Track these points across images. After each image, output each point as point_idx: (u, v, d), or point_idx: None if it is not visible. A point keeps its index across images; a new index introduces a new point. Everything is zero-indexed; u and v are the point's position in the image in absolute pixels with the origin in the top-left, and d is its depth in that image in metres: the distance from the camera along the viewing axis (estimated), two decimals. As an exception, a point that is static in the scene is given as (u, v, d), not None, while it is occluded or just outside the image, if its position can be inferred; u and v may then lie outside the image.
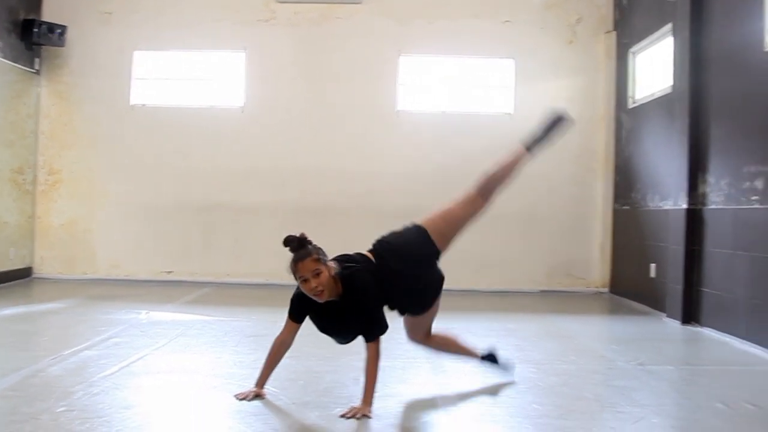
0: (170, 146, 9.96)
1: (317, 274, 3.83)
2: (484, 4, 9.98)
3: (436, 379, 4.66)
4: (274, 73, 9.97)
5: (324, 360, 5.14)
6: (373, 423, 3.66)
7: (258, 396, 4.08)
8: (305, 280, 3.85)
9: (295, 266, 3.91)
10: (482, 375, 4.83)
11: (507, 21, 9.97)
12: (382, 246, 4.20)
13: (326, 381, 4.55)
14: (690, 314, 7.06)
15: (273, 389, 4.23)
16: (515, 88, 9.92)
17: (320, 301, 3.87)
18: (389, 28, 9.92)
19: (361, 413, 3.73)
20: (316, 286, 3.81)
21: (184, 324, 6.57)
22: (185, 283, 9.57)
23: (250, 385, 4.25)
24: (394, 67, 9.94)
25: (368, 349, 3.89)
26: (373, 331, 3.90)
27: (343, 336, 4.04)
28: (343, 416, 3.72)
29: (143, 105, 10.02)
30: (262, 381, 4.17)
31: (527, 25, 9.95)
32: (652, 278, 8.18)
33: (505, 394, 4.38)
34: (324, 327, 4.01)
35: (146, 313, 7.13)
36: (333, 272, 3.89)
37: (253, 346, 5.63)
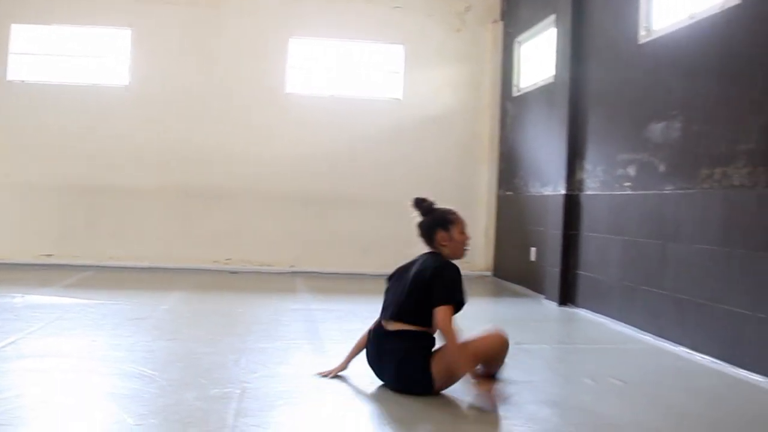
0: (51, 125, 9.54)
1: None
2: (376, -10, 10.02)
3: (314, 360, 4.65)
4: (161, 52, 9.70)
5: (204, 342, 5.08)
6: (251, 403, 3.64)
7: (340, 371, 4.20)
8: (464, 231, 4.12)
9: (457, 217, 4.16)
10: (361, 355, 4.87)
11: (397, 7, 10.04)
12: None
13: (206, 362, 4.48)
14: (567, 296, 7.34)
15: (150, 371, 4.14)
16: (404, 74, 10.00)
17: (464, 255, 4.13)
18: (279, 9, 9.81)
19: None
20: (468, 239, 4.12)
21: (61, 307, 6.34)
22: (66, 267, 9.19)
23: (125, 367, 4.16)
24: (283, 49, 9.84)
25: (438, 313, 3.84)
26: (451, 295, 3.89)
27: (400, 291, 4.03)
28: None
29: (22, 81, 9.58)
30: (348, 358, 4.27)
31: (417, 12, 10.05)
32: (532, 262, 8.45)
33: (369, 381, 4.42)
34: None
35: (21, 296, 6.83)
36: None
37: (133, 329, 5.50)
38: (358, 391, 3.98)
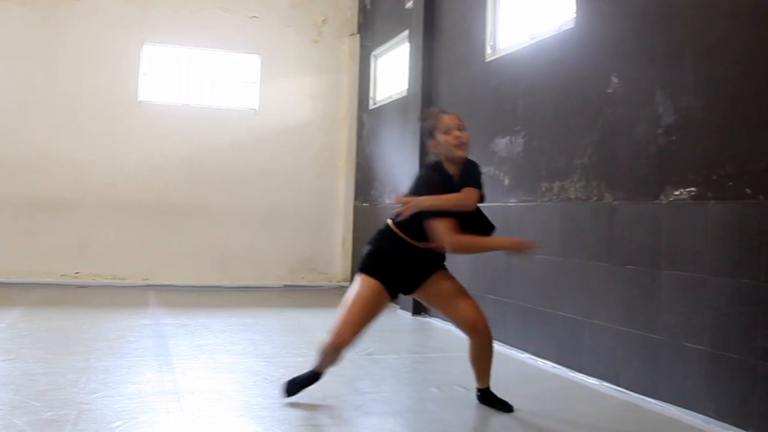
0: None
1: (462, 129, 3.87)
2: (233, -1, 9.92)
3: (161, 377, 4.53)
4: (2, 54, 9.18)
5: (43, 362, 4.84)
6: (87, 425, 3.49)
7: None
8: (449, 131, 3.84)
9: (442, 116, 3.93)
10: (210, 371, 4.80)
11: (254, 17, 9.99)
12: None
13: (42, 383, 4.26)
14: (420, 306, 7.47)
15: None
16: (260, 84, 9.94)
17: (462, 153, 3.86)
18: (132, 14, 9.53)
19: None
20: (461, 136, 3.84)
21: None
22: None
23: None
24: (136, 56, 9.55)
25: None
26: (476, 183, 3.90)
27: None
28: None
29: None
30: None
31: (274, 22, 10.02)
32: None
33: (231, 389, 4.37)
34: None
35: None
36: None
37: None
38: (204, 409, 3.89)
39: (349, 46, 10.24)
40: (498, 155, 6.17)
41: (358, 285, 3.91)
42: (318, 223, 10.06)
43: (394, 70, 9.17)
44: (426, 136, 4.05)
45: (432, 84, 7.60)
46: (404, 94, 8.33)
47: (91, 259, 9.23)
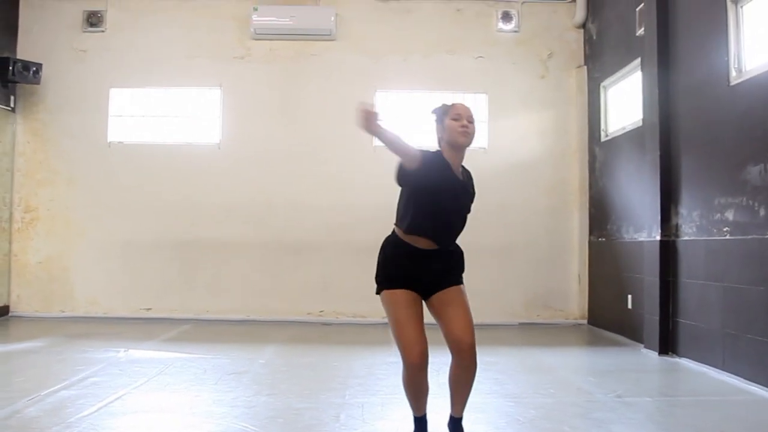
0: (148, 183, 9.96)
1: (471, 121, 3.81)
2: (458, 41, 10.15)
3: (401, 414, 4.65)
4: (250, 109, 10.03)
5: (303, 397, 5.15)
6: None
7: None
8: (458, 118, 3.77)
9: (452, 105, 3.86)
10: (465, 411, 4.85)
11: (480, 57, 10.13)
12: None
13: (306, 418, 4.54)
14: (667, 345, 7.13)
15: (253, 428, 4.22)
16: (489, 122, 10.04)
17: (464, 139, 3.77)
18: (364, 64, 10.04)
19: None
20: (468, 126, 3.77)
21: (163, 362, 6.53)
22: (165, 320, 9.52)
23: (228, 424, 4.25)
24: (370, 102, 9.99)
25: None
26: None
27: (460, 201, 3.91)
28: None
29: (120, 142, 10.04)
30: None
31: (500, 61, 10.12)
32: (629, 309, 8.26)
33: (485, 430, 4.40)
34: (445, 185, 3.79)
35: (125, 351, 7.09)
36: None
37: (233, 384, 5.63)
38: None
39: (577, 78, 10.10)
40: (750, 184, 5.79)
41: (385, 305, 3.81)
42: (551, 259, 9.92)
43: (625, 100, 8.91)
44: (436, 123, 3.89)
45: (669, 112, 7.29)
46: (639, 124, 8.06)
47: (334, 297, 9.73)
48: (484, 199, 9.66)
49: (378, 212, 9.82)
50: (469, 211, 4.01)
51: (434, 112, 3.90)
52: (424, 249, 3.77)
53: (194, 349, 7.28)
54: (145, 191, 9.96)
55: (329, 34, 9.98)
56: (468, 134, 3.77)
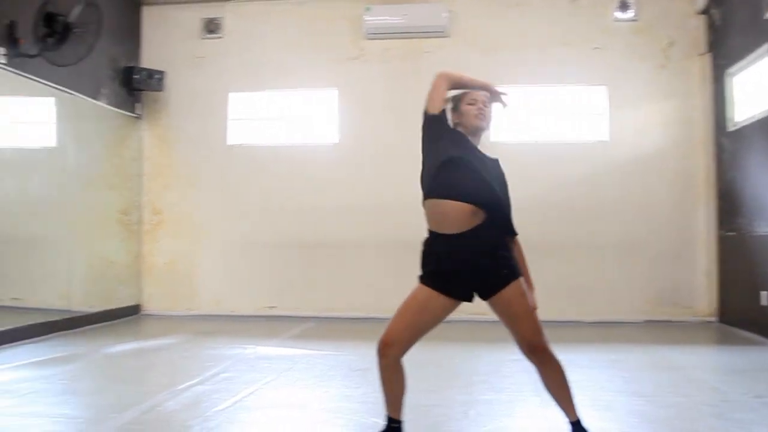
0: (267, 184, 10.21)
1: (487, 105, 3.78)
2: (573, 32, 9.91)
3: (545, 413, 4.58)
4: (366, 108, 10.12)
5: (429, 393, 5.13)
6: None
7: None
8: (475, 102, 3.74)
9: (473, 91, 3.81)
10: (589, 408, 4.73)
11: (597, 48, 9.88)
12: None
13: (434, 414, 4.54)
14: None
15: (382, 422, 4.23)
16: (609, 115, 9.78)
17: (480, 122, 3.73)
18: (478, 59, 9.92)
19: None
20: (484, 109, 3.74)
21: (290, 358, 6.67)
22: (287, 318, 9.71)
23: (358, 419, 4.29)
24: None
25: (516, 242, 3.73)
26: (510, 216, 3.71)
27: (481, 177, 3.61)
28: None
29: (240, 145, 10.33)
30: None
31: (618, 52, 9.82)
32: (763, 306, 7.88)
33: (617, 428, 4.28)
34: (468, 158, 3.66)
35: (253, 347, 7.28)
36: None
37: (360, 380, 5.69)
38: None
39: (700, 66, 9.70)
40: None
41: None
42: (677, 254, 9.55)
43: (754, 87, 8.50)
44: (452, 110, 3.82)
45: (807, 98, 6.92)
46: (771, 111, 7.69)
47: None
48: (604, 193, 9.59)
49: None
50: (507, 199, 3.70)
51: (450, 100, 3.85)
52: (451, 234, 3.57)
53: (319, 346, 7.41)
54: (265, 192, 10.20)
55: (442, 31, 9.95)
56: (485, 117, 3.73)
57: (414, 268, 3.83)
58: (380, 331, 3.67)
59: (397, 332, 3.62)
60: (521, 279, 3.58)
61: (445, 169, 3.61)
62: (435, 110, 3.74)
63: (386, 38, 10.09)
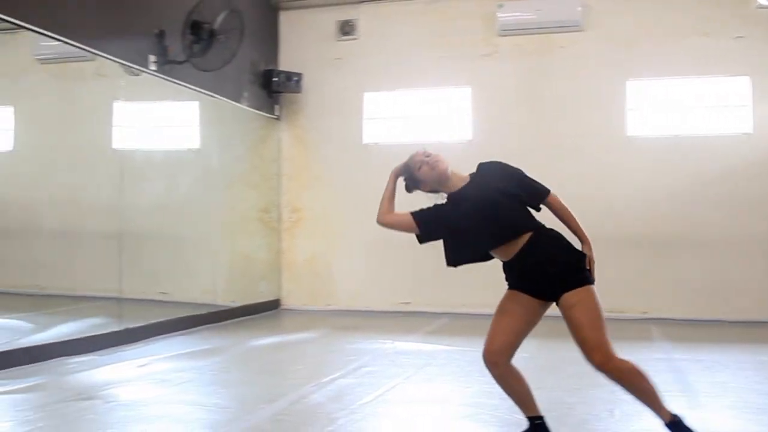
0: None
1: (427, 154, 3.87)
2: (713, 21, 9.51)
3: (693, 414, 4.48)
4: (500, 105, 10.10)
5: (571, 392, 5.15)
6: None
7: None
8: (419, 163, 3.84)
9: (406, 163, 3.98)
10: (739, 411, 4.61)
11: (739, 36, 9.47)
12: None
13: (578, 413, 4.54)
14: None
15: (526, 420, 4.27)
16: (753, 106, 9.36)
17: (438, 169, 3.79)
18: (613, 52, 9.72)
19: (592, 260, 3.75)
20: (428, 157, 3.83)
21: (428, 354, 6.81)
22: (422, 314, 9.84)
23: (501, 415, 4.36)
24: (621, 92, 9.72)
25: (554, 202, 3.86)
26: (540, 186, 3.84)
27: (497, 209, 3.70)
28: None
29: (375, 144, 10.55)
30: None
31: (762, 40, 9.37)
32: None
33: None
34: (468, 212, 3.73)
35: (391, 342, 7.45)
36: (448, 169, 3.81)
37: (499, 376, 5.73)
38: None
39: None
40: None
41: None
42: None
43: None
44: (411, 188, 3.96)
45: None
46: None
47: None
48: (749, 187, 9.19)
49: (631, 204, 9.58)
50: (510, 206, 3.74)
51: (405, 182, 3.99)
52: (506, 261, 3.83)
53: (456, 342, 7.52)
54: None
55: (576, 25, 9.80)
56: (437, 161, 3.79)
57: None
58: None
59: (496, 339, 3.78)
60: (592, 287, 3.55)
61: (464, 239, 3.90)
62: (417, 228, 3.93)
63: (519, 34, 10.03)
